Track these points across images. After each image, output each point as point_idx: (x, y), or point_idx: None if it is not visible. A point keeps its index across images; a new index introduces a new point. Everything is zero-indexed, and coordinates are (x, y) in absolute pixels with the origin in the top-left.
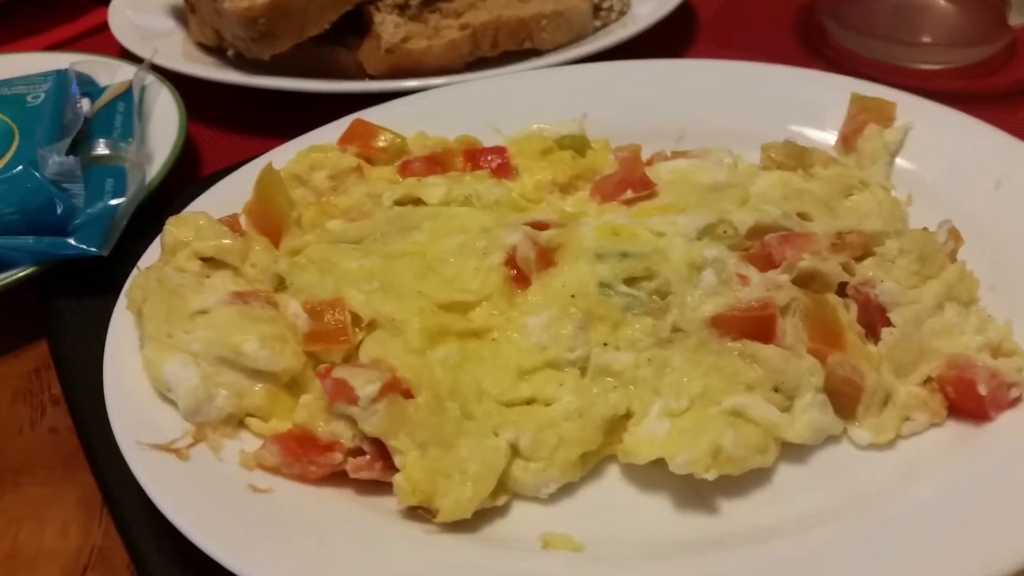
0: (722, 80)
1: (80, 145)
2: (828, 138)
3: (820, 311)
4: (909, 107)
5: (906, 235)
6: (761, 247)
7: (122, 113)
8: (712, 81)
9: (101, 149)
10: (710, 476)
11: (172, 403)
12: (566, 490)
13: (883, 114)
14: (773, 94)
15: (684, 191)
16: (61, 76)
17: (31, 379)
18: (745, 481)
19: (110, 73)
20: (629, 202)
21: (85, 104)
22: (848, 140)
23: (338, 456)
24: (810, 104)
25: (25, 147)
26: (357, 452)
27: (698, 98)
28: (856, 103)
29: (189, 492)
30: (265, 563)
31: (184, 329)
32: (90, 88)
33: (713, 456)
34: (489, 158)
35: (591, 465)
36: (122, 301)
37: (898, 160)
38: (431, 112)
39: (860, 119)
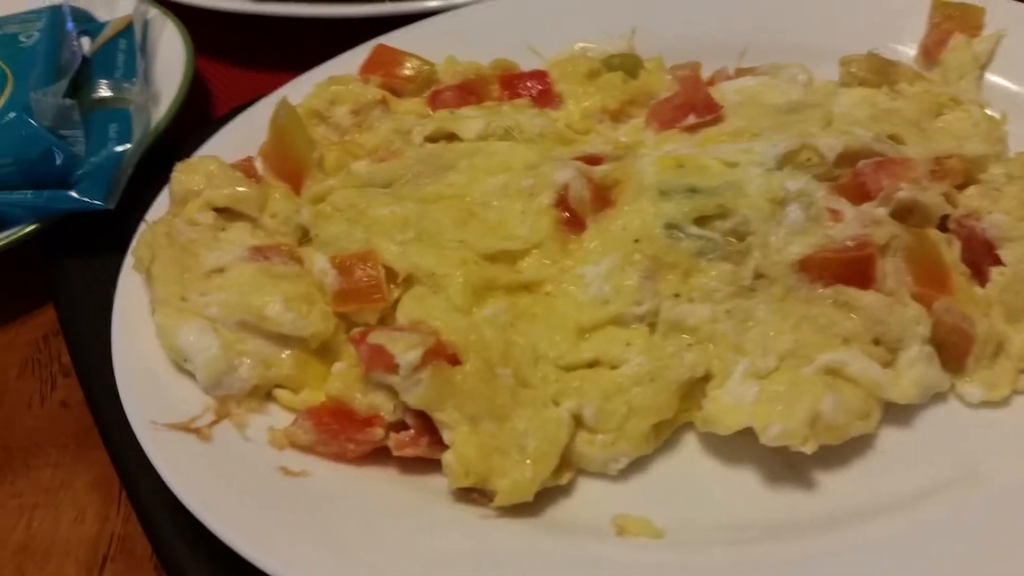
0: None
1: (80, 88)
2: (907, 52)
3: (922, 250)
4: (999, 12)
5: (1013, 159)
6: (853, 176)
7: (124, 51)
8: None
9: (103, 91)
10: (808, 449)
11: (190, 375)
12: (638, 465)
13: (969, 21)
14: (841, 2)
15: (755, 114)
16: (55, 12)
17: (39, 348)
18: (843, 451)
19: (109, 7)
20: (692, 128)
21: (84, 43)
22: (931, 53)
23: (379, 432)
24: (885, 12)
25: (19, 92)
26: (400, 427)
27: (760, 9)
28: (938, 10)
29: (212, 478)
30: (299, 559)
31: (199, 291)
32: (88, 25)
33: (811, 425)
34: (528, 84)
35: (666, 436)
36: (129, 260)
37: (987, 74)
38: (461, 34)
39: (943, 28)
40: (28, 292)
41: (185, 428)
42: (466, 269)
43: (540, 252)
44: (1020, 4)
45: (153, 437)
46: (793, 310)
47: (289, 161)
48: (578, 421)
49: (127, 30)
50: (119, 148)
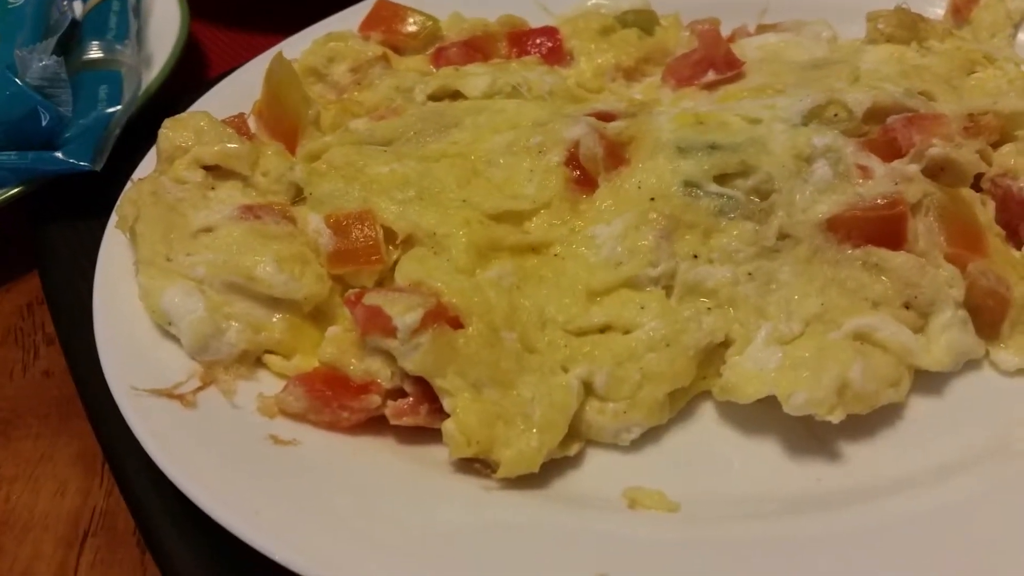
0: None
1: (71, 51)
2: (935, 11)
3: (956, 209)
4: None
5: None
6: (883, 132)
7: (117, 12)
8: None
9: (94, 52)
10: (835, 418)
11: (175, 339)
12: (652, 436)
13: None
14: None
15: (778, 70)
16: None
17: (23, 316)
18: (871, 421)
19: None
20: (711, 85)
21: (77, 8)
22: (960, 11)
23: (375, 399)
24: None
25: (5, 53)
26: (397, 394)
27: None
28: None
29: (196, 446)
30: (290, 533)
31: (186, 251)
32: None
33: (838, 393)
34: (538, 41)
35: (681, 405)
36: (113, 219)
37: (1021, 33)
38: None
39: None
40: (12, 259)
41: (168, 394)
42: (470, 229)
43: (549, 212)
44: None
45: (134, 404)
46: (819, 272)
47: (284, 119)
48: (588, 389)
49: None
50: (109, 110)
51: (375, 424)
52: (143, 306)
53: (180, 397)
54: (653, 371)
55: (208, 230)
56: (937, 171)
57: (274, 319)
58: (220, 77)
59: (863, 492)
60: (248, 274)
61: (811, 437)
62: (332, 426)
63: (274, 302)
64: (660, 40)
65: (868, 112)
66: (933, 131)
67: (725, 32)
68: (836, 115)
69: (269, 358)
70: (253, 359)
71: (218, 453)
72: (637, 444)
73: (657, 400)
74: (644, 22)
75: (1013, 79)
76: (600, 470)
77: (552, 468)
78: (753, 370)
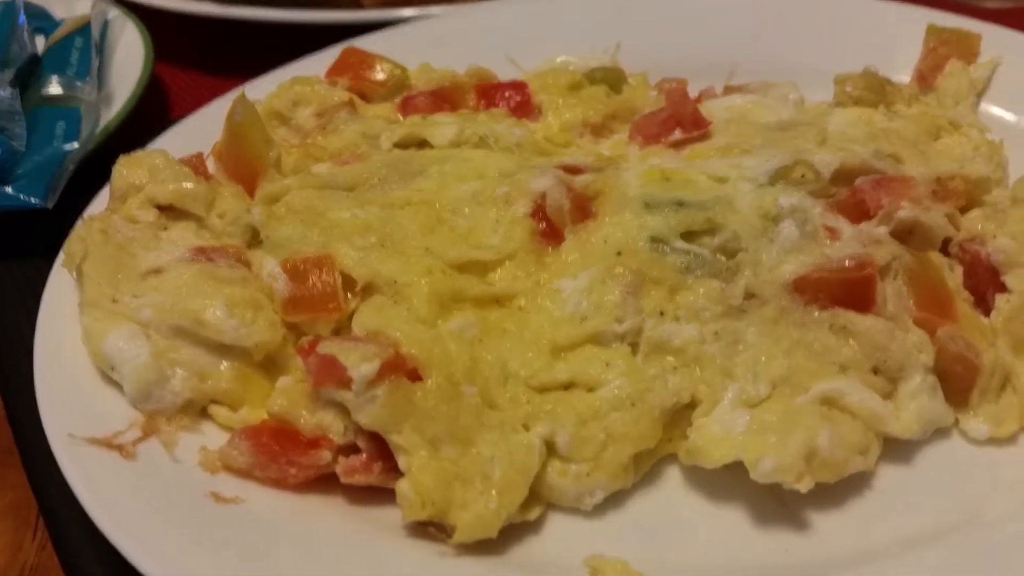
0: (776, 8)
1: (29, 86)
2: (901, 79)
3: (925, 273)
4: (995, 40)
5: (1018, 181)
6: (851, 193)
7: (79, 49)
8: (765, 9)
9: (53, 88)
10: (803, 486)
11: (118, 386)
12: (615, 501)
13: (966, 48)
14: (834, 24)
15: (745, 131)
16: (8, 6)
17: None
18: (839, 489)
19: (67, 5)
20: (678, 144)
21: (39, 43)
22: (926, 78)
23: (325, 455)
24: (878, 36)
25: None
26: (350, 450)
27: (749, 28)
28: (933, 36)
29: (133, 500)
30: None
31: (132, 292)
32: (44, 23)
33: (806, 460)
34: (507, 94)
35: (646, 469)
36: (60, 258)
37: (983, 103)
38: (437, 40)
39: (940, 53)
40: None
41: (107, 444)
42: (432, 278)
43: (513, 263)
44: (1017, 33)
45: (71, 452)
46: (786, 334)
47: (244, 160)
48: (550, 448)
49: (84, 29)
50: (65, 147)
51: (324, 482)
52: (86, 350)
53: (119, 447)
54: (617, 431)
55: (157, 271)
56: (905, 234)
57: (222, 367)
58: (182, 118)
59: (832, 564)
60: (196, 318)
61: (779, 505)
62: (278, 483)
63: (223, 349)
64: (628, 98)
65: (836, 173)
66: (902, 193)
67: (692, 93)
68: (803, 176)
69: (215, 409)
70: (198, 409)
71: (156, 509)
72: (600, 509)
73: (621, 462)
74: (612, 80)
75: (978, 145)
76: (561, 536)
77: (511, 533)
78: (720, 433)
